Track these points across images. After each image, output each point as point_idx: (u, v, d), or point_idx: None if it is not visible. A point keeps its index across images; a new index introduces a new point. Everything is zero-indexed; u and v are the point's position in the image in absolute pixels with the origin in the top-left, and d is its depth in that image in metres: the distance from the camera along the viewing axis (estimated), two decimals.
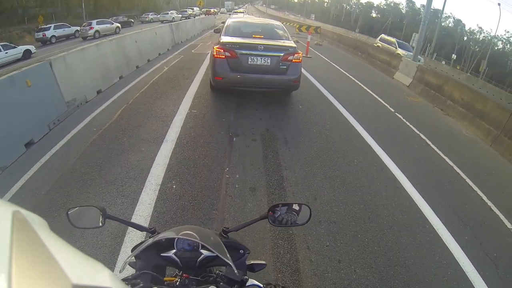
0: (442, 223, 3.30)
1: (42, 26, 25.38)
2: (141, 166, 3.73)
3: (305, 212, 1.13)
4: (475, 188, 4.17)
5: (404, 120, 6.26)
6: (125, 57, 8.09)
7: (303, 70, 7.64)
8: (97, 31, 25.58)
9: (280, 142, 4.57)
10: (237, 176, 3.65)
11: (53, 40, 24.86)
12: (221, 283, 0.93)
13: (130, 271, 1.09)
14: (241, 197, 3.30)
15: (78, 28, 27.11)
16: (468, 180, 4.35)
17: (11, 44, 19.28)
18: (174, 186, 3.38)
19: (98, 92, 6.43)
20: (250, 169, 3.81)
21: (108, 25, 27.45)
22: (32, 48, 20.35)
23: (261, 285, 1.03)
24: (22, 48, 19.53)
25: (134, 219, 2.85)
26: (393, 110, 6.77)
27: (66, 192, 3.27)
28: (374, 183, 3.85)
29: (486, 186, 4.27)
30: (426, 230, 3.17)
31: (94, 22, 26.34)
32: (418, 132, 5.71)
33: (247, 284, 0.97)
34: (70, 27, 26.97)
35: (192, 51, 12.29)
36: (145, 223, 2.80)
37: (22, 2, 30.73)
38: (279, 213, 1.12)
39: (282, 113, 5.67)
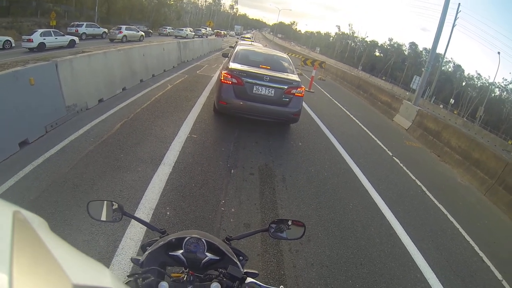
0: (434, 273, 3.32)
1: (76, 22, 26.88)
2: (135, 187, 3.63)
3: (300, 229, 1.28)
4: (468, 238, 4.27)
5: (401, 165, 6.36)
6: (130, 69, 8.09)
7: (305, 105, 7.76)
8: (125, 35, 26.86)
9: (278, 179, 4.51)
10: (233, 210, 3.57)
11: (83, 37, 25.76)
12: (224, 279, 1.02)
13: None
14: (235, 233, 3.20)
15: (106, 30, 28.49)
16: (461, 230, 4.45)
17: (60, 32, 21.21)
18: (168, 213, 3.28)
19: (100, 100, 6.38)
20: (246, 204, 3.73)
21: (135, 32, 28.80)
22: (76, 39, 22.13)
23: (259, 283, 1.14)
24: (68, 37, 21.48)
25: (124, 242, 2.76)
26: (391, 154, 6.86)
27: (56, 202, 3.14)
28: (369, 228, 3.83)
29: (478, 236, 4.38)
30: (417, 280, 3.18)
31: (123, 27, 27.79)
32: (414, 178, 5.81)
33: (246, 281, 1.07)
34: (99, 27, 28.41)
35: (197, 72, 12.25)
36: (135, 247, 2.72)
37: None
38: (278, 227, 1.28)
39: (281, 149, 5.65)
